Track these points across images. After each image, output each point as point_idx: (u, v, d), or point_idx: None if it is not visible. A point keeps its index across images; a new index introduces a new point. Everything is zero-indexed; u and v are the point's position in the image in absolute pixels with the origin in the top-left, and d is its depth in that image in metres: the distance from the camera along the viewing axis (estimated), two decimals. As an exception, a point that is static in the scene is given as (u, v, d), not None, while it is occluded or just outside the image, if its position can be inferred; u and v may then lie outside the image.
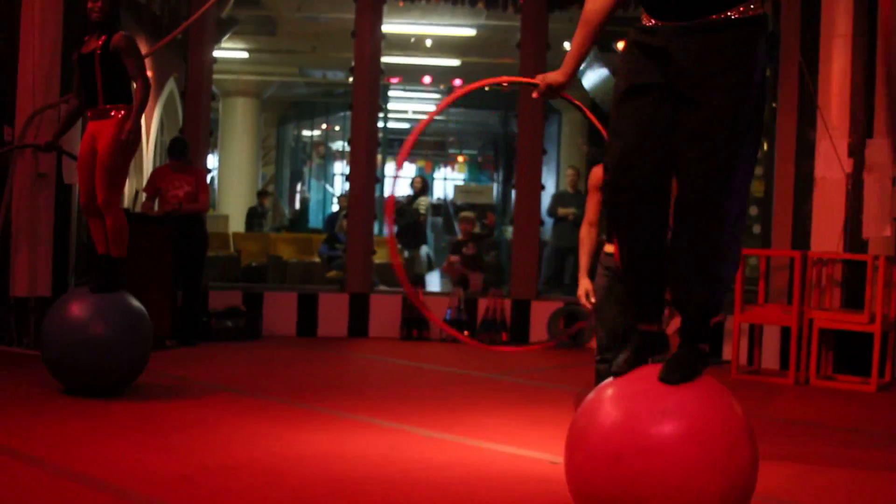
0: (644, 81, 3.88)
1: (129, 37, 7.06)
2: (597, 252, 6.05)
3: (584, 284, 5.91)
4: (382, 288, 12.00)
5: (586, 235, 6.08)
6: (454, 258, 12.64)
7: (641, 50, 3.91)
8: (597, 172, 5.97)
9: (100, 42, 6.98)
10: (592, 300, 5.84)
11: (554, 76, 4.26)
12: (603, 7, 4.13)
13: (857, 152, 9.21)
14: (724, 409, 3.76)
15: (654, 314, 4.04)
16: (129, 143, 6.97)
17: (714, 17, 3.77)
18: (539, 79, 4.29)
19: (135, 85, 7.05)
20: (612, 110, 4.00)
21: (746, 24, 3.79)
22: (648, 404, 3.72)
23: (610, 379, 3.97)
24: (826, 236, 9.30)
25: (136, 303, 6.99)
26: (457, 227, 14.40)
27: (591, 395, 3.95)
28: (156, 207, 9.91)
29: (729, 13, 3.77)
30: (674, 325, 10.56)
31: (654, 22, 3.91)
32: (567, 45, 16.29)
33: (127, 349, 6.86)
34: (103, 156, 6.91)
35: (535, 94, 4.34)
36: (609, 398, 3.85)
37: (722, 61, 3.74)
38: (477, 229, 13.46)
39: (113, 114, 6.96)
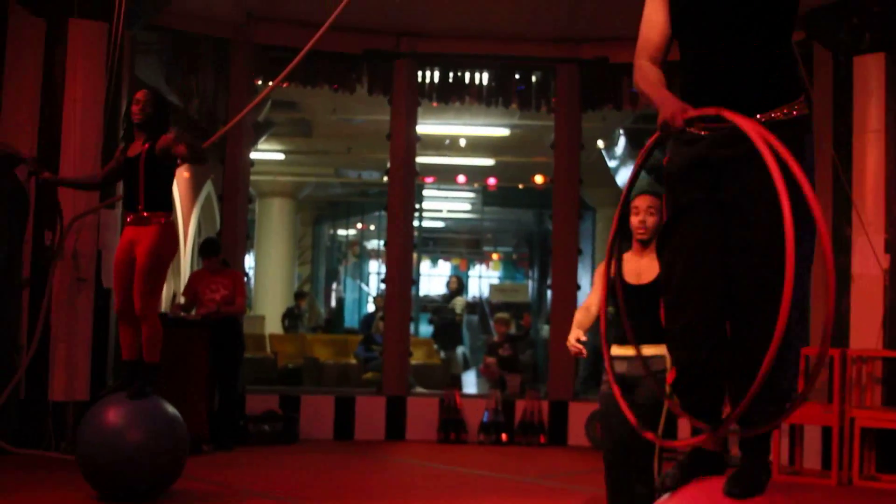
0: (690, 200, 3.81)
1: (175, 131, 7.06)
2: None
3: (576, 333, 5.63)
4: (419, 390, 11.95)
5: (581, 314, 5.83)
6: (490, 360, 12.60)
7: (684, 165, 3.85)
8: (601, 269, 5.58)
9: (145, 146, 7.00)
10: (584, 339, 5.60)
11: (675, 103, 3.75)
12: (656, 62, 3.98)
13: (893, 248, 9.16)
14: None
15: (712, 424, 3.87)
16: (168, 252, 6.99)
17: (760, 117, 3.68)
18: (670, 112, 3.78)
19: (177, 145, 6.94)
20: (664, 230, 3.94)
21: (791, 125, 3.71)
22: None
23: (665, 497, 3.85)
24: (865, 333, 9.21)
25: (170, 408, 6.96)
26: (492, 327, 14.37)
27: None
28: (193, 311, 9.96)
29: (773, 114, 3.70)
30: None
31: (694, 127, 3.81)
32: (601, 143, 16.42)
33: (162, 455, 6.80)
34: (143, 263, 6.88)
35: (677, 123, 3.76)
36: None
37: (766, 167, 3.57)
38: (512, 330, 13.44)
39: (153, 220, 6.95)
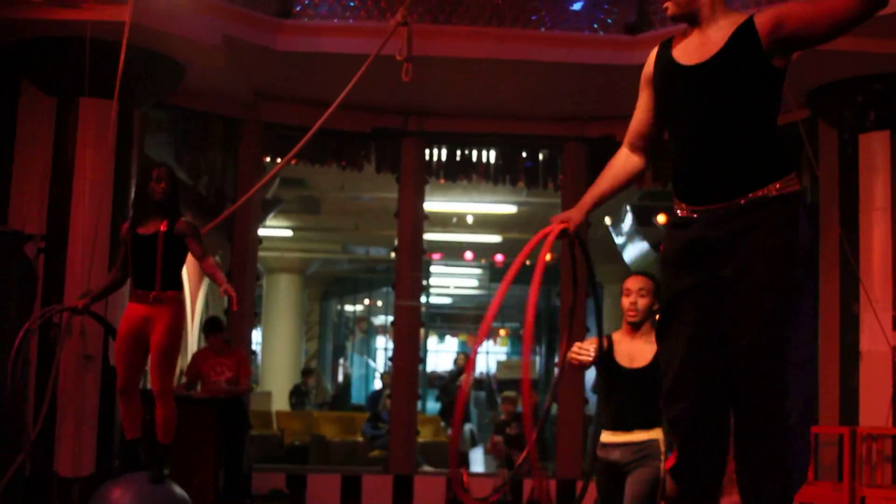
0: (685, 286, 3.83)
1: (191, 223, 7.05)
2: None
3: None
4: (427, 468, 11.88)
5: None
6: (498, 439, 12.54)
7: (679, 248, 3.87)
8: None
9: (162, 226, 6.91)
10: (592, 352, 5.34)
11: (568, 213, 4.09)
12: (627, 169, 4.15)
13: (902, 325, 9.15)
14: None
15: None
16: (183, 329, 6.98)
17: (751, 195, 3.70)
18: (553, 218, 4.11)
19: (205, 263, 6.97)
20: (662, 315, 3.96)
21: (782, 202, 3.72)
22: None
23: None
24: (874, 411, 9.15)
25: (179, 490, 6.89)
26: (500, 406, 14.30)
27: None
28: (198, 388, 9.93)
29: (764, 192, 3.71)
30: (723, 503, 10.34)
31: (686, 210, 3.86)
32: (608, 220, 16.48)
33: None
34: (162, 343, 6.78)
35: (550, 234, 4.04)
36: None
37: (761, 243, 3.66)
38: (520, 408, 13.37)
39: (170, 300, 6.87)
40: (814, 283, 3.84)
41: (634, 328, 5.64)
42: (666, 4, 3.88)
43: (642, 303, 5.60)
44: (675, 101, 3.90)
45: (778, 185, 3.71)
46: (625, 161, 4.14)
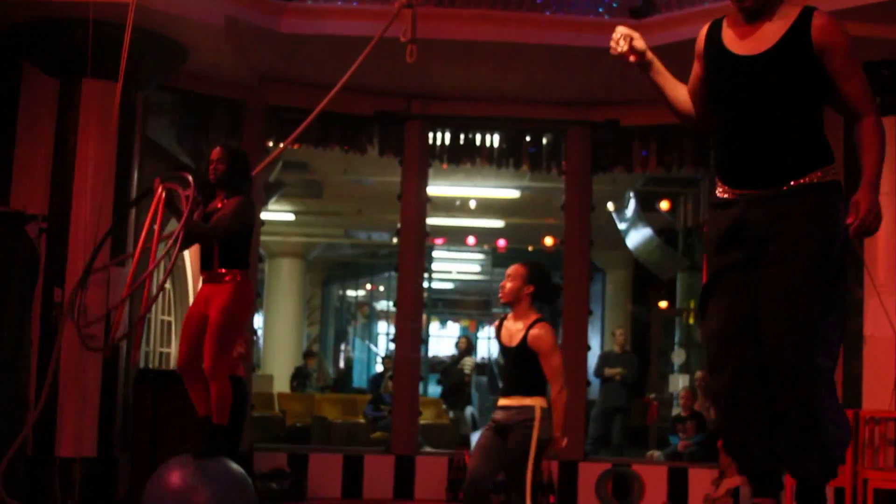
0: (725, 264, 3.97)
1: (240, 200, 6.80)
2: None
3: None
4: (428, 449, 11.90)
5: None
6: None
7: (722, 229, 3.99)
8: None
9: (219, 204, 6.84)
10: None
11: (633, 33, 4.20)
12: (683, 97, 4.25)
13: (905, 309, 9.14)
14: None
15: (769, 488, 4.02)
16: (243, 311, 6.84)
17: (793, 182, 3.85)
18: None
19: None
20: (703, 293, 4.09)
21: (822, 190, 3.88)
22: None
23: None
24: (877, 394, 9.17)
25: (236, 467, 6.79)
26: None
27: None
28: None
29: (806, 179, 3.86)
30: (724, 485, 10.37)
31: (728, 192, 3.99)
32: (611, 205, 16.47)
33: None
34: (215, 321, 6.66)
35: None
36: None
37: (803, 224, 3.81)
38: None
39: (228, 278, 6.75)
40: (846, 269, 3.97)
41: (510, 309, 6.53)
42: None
43: (509, 286, 6.46)
44: (725, 88, 4.01)
45: (819, 174, 3.88)
46: (684, 96, 4.25)
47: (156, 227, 6.76)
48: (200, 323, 6.78)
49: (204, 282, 6.95)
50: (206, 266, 6.92)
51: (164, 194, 6.68)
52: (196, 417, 6.94)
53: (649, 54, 4.19)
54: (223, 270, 6.77)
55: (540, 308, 6.64)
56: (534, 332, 6.33)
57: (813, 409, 3.79)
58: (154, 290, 7.12)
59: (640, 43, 4.16)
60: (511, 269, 6.53)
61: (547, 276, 6.62)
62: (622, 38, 4.17)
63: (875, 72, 9.31)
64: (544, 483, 10.96)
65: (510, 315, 6.54)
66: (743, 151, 3.94)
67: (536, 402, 6.26)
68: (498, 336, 6.58)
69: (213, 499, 6.47)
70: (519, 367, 6.38)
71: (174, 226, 7.06)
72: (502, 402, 6.43)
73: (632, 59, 4.17)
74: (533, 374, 6.32)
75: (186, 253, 11.65)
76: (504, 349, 6.50)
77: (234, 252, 6.85)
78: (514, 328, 6.44)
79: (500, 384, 6.57)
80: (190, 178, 6.60)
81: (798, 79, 3.87)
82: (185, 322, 6.96)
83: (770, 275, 3.84)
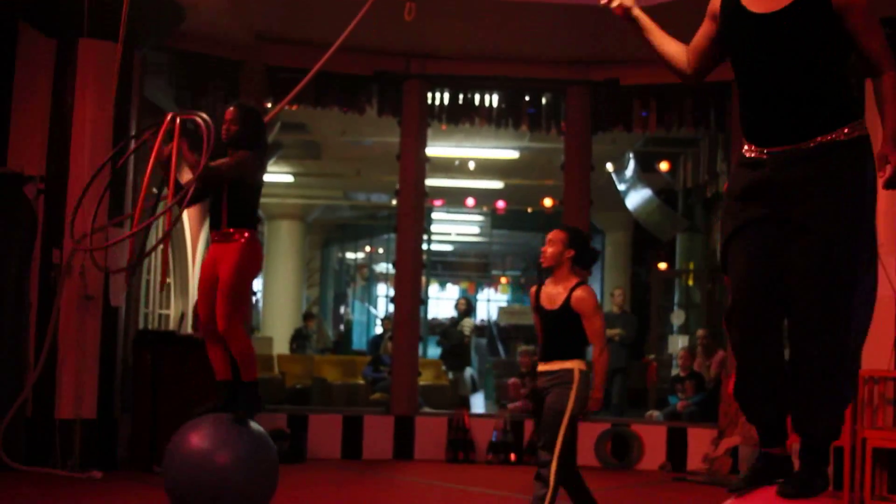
0: (748, 219, 3.97)
1: (245, 153, 6.75)
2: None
3: None
4: (427, 410, 11.92)
5: None
6: (523, 390, 12.63)
7: (747, 186, 3.99)
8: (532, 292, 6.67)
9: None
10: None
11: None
12: (677, 52, 4.26)
13: (905, 269, 9.12)
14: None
15: (777, 438, 4.07)
16: (252, 269, 6.82)
17: (820, 139, 3.84)
18: None
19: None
20: (723, 249, 4.09)
21: (853, 145, 3.86)
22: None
23: (732, 499, 4.03)
24: (877, 354, 9.15)
25: (258, 427, 6.71)
26: (518, 359, 14.34)
27: None
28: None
29: (833, 136, 3.84)
30: (723, 445, 10.37)
31: (755, 151, 3.98)
32: (610, 166, 16.44)
33: (253, 477, 6.54)
34: (225, 281, 6.63)
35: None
36: None
37: (833, 186, 3.81)
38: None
39: (236, 238, 6.70)
40: (874, 225, 3.99)
41: (549, 273, 6.55)
42: None
43: (551, 251, 6.46)
44: (745, 46, 3.99)
45: (846, 130, 3.86)
46: (680, 51, 4.26)
47: (172, 153, 6.65)
48: (213, 285, 6.75)
49: (212, 242, 6.91)
50: (214, 226, 6.86)
51: (178, 122, 6.65)
52: (219, 381, 6.90)
53: (636, 10, 4.23)
54: (231, 230, 6.74)
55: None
56: (577, 294, 6.40)
57: (838, 374, 3.86)
58: (177, 210, 6.99)
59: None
60: (552, 234, 6.57)
61: (586, 240, 6.69)
62: None
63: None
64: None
65: (548, 280, 6.57)
66: (767, 108, 3.94)
67: (575, 365, 6.35)
68: (537, 301, 6.58)
69: (236, 459, 6.45)
70: (560, 330, 6.44)
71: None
72: (542, 367, 6.48)
73: (616, 9, 4.23)
74: (573, 337, 6.41)
75: (185, 216, 11.63)
76: (545, 313, 6.50)
77: (243, 211, 6.81)
78: (555, 291, 6.48)
79: (539, 349, 6.57)
80: (206, 117, 6.57)
81: (817, 35, 3.85)
82: (200, 286, 6.91)
83: (801, 240, 3.84)
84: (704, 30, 4.20)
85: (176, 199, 6.60)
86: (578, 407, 6.29)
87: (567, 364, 6.34)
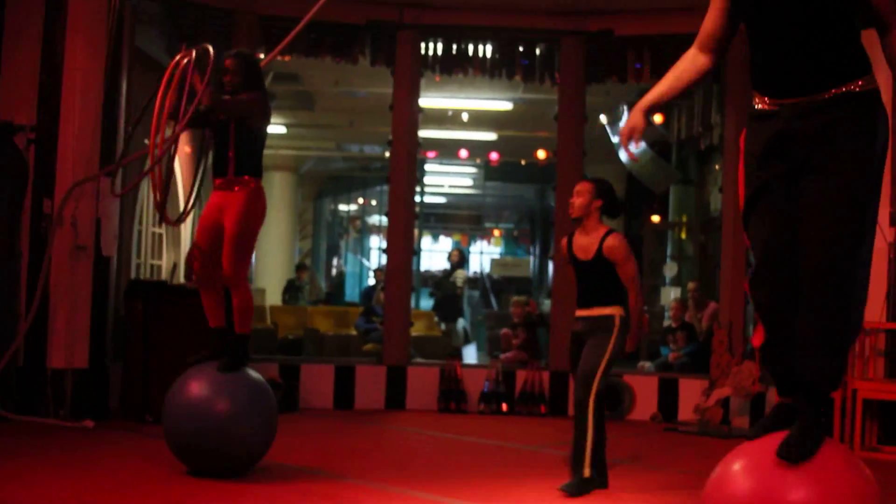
0: (769, 177, 4.00)
1: (252, 95, 6.81)
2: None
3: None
4: (419, 360, 11.94)
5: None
6: (513, 340, 12.65)
7: (763, 142, 4.01)
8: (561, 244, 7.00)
9: None
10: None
11: (631, 121, 4.36)
12: (693, 70, 4.30)
13: (898, 220, 9.14)
14: (860, 476, 3.91)
15: (793, 388, 4.10)
16: (258, 218, 6.79)
17: (835, 91, 3.87)
18: (621, 134, 4.43)
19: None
20: (746, 207, 4.12)
21: (863, 99, 3.90)
22: (783, 473, 3.84)
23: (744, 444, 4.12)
24: (869, 306, 9.11)
25: (256, 376, 6.75)
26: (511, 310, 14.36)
27: (723, 467, 4.06)
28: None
29: (846, 87, 3.88)
30: (714, 395, 10.40)
31: (767, 103, 4.01)
32: (604, 118, 16.38)
33: (252, 425, 6.62)
34: (232, 230, 6.63)
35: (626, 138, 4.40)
36: (742, 469, 3.98)
37: (845, 131, 3.85)
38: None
39: (243, 185, 6.72)
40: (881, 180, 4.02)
41: (578, 223, 6.80)
42: None
43: (579, 202, 6.75)
44: (762, 2, 3.99)
45: (860, 83, 3.90)
46: (692, 61, 4.30)
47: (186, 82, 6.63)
48: (216, 232, 6.74)
49: (216, 189, 6.87)
50: (219, 173, 6.83)
51: (193, 54, 6.64)
52: (212, 328, 6.94)
53: (645, 121, 4.34)
54: (237, 178, 6.73)
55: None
56: (608, 242, 6.65)
57: (841, 321, 3.91)
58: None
59: (640, 130, 4.34)
60: (579, 186, 6.84)
61: (612, 190, 6.95)
62: (632, 140, 4.41)
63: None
64: (535, 393, 11.03)
65: (578, 230, 6.81)
66: (781, 60, 3.96)
67: (616, 311, 6.63)
68: (570, 252, 6.82)
69: (235, 408, 6.49)
70: (596, 278, 6.68)
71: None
72: (581, 313, 6.74)
73: (639, 133, 4.37)
74: (609, 284, 6.65)
75: (177, 164, 11.57)
76: (579, 263, 6.75)
77: (249, 159, 6.81)
78: (587, 241, 6.73)
79: (578, 297, 6.81)
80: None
81: None
82: (200, 232, 6.89)
83: (812, 185, 3.89)
84: (715, 9, 4.22)
85: (185, 120, 6.58)
86: (617, 350, 6.55)
87: (607, 310, 6.63)
